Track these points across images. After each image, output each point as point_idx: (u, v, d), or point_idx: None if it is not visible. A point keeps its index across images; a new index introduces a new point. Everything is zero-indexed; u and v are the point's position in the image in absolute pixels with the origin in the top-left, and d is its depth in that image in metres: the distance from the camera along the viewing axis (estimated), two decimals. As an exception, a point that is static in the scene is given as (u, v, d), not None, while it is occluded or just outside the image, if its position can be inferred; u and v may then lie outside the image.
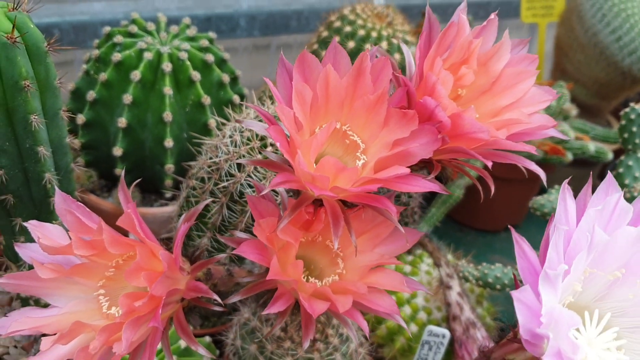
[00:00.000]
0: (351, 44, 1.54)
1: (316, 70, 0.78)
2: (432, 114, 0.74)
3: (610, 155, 1.75)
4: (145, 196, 1.64)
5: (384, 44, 1.53)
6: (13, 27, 0.90)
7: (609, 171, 0.66)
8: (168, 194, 1.54)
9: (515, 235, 0.60)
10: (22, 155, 1.01)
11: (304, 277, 0.85)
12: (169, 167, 1.47)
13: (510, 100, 0.82)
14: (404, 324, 0.81)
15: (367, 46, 1.53)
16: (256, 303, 1.18)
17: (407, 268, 1.36)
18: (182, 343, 1.15)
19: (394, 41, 1.53)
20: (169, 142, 1.44)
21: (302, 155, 0.71)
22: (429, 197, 1.68)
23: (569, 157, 1.69)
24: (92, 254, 0.77)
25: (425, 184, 0.73)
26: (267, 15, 2.66)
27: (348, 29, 1.55)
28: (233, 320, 1.24)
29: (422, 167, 0.87)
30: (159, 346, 1.07)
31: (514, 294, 0.55)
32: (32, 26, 0.94)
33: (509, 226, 0.66)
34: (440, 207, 1.69)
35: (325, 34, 1.61)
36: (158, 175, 1.52)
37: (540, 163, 1.73)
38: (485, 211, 1.94)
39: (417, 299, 1.29)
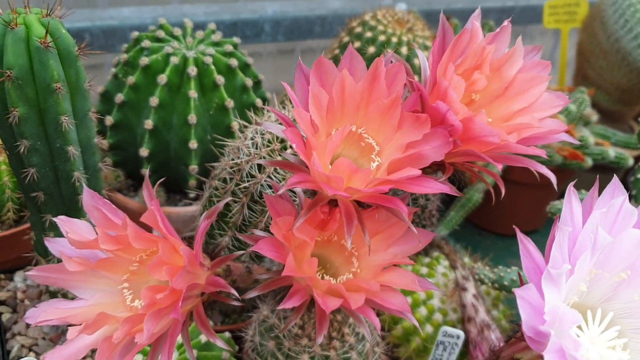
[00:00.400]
0: (372, 49, 1.56)
1: (332, 75, 0.80)
2: (444, 118, 0.76)
3: (630, 161, 1.74)
4: (170, 196, 1.68)
5: (404, 49, 1.55)
6: (46, 33, 0.94)
7: (614, 175, 0.67)
8: (192, 194, 1.57)
9: (520, 235, 0.62)
10: (52, 155, 1.06)
11: (319, 275, 0.87)
12: (193, 167, 1.51)
13: (523, 105, 0.83)
14: (415, 322, 0.82)
15: (388, 51, 1.55)
16: (274, 301, 1.21)
17: (424, 270, 1.38)
18: (203, 338, 1.18)
19: (415, 46, 1.54)
20: (193, 144, 1.48)
21: (317, 156, 0.74)
22: (448, 201, 1.69)
23: (589, 162, 1.69)
24: (117, 248, 0.80)
25: (436, 186, 0.75)
26: (291, 20, 2.69)
27: (369, 34, 1.57)
28: (252, 318, 1.28)
29: (436, 169, 0.89)
30: (180, 340, 1.10)
31: (517, 291, 0.57)
32: (63, 31, 0.98)
33: (513, 226, 0.68)
34: (459, 210, 1.70)
35: (346, 39, 1.63)
36: (182, 175, 1.56)
37: (559, 168, 1.73)
38: (505, 215, 1.94)
39: (433, 301, 1.31)
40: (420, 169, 0.84)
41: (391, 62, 0.83)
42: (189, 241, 0.89)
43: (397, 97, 0.78)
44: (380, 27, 1.57)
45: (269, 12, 2.65)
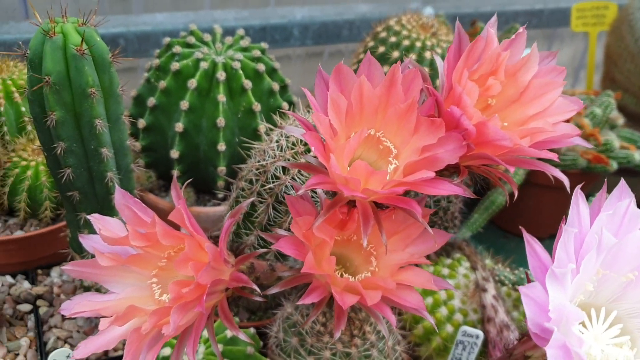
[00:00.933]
0: (396, 54, 1.59)
1: (351, 81, 0.83)
2: (458, 122, 0.78)
3: (656, 165, 1.73)
4: (200, 196, 1.72)
5: (428, 54, 1.57)
6: (82, 41, 0.99)
7: (622, 178, 0.69)
8: (220, 195, 1.62)
9: (526, 235, 0.64)
10: (87, 156, 1.11)
11: (338, 273, 0.90)
12: (221, 169, 1.55)
13: (538, 109, 0.85)
14: (431, 319, 0.85)
15: (412, 56, 1.57)
16: (298, 298, 1.24)
17: (446, 271, 1.39)
18: (229, 333, 1.22)
19: (438, 51, 1.56)
20: (221, 146, 1.52)
21: (335, 159, 0.77)
22: (470, 203, 1.70)
23: (614, 166, 1.69)
24: (147, 245, 0.84)
25: (450, 188, 0.77)
26: (319, 25, 2.72)
27: (393, 39, 1.60)
28: (276, 315, 1.31)
29: (452, 172, 0.91)
30: (207, 335, 1.14)
31: (522, 289, 0.59)
32: (98, 39, 1.03)
33: (520, 227, 0.70)
34: (483, 213, 1.71)
35: (371, 44, 1.66)
36: (211, 176, 1.61)
37: (584, 171, 1.73)
38: (530, 218, 1.94)
39: (453, 301, 1.33)
40: (438, 172, 0.87)
41: (409, 67, 0.85)
42: (216, 240, 0.93)
43: (413, 102, 0.81)
44: (405, 32, 1.59)
45: (298, 17, 2.69)
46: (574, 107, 0.83)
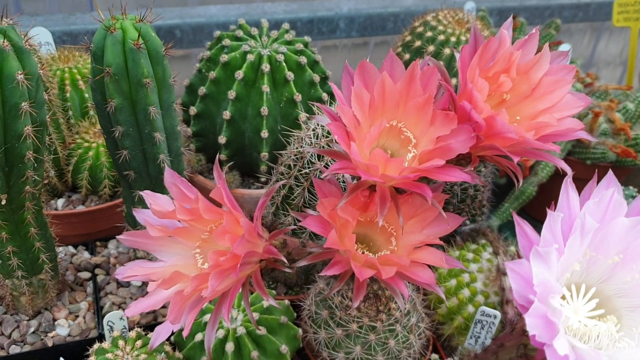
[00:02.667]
0: (431, 48, 1.65)
1: (374, 76, 0.91)
2: (469, 116, 0.85)
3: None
4: (245, 179, 1.83)
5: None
6: (138, 36, 1.10)
7: (610, 169, 0.74)
8: (263, 179, 1.72)
9: (516, 217, 0.70)
10: (142, 139, 1.22)
11: (360, 251, 0.99)
12: (264, 154, 1.65)
13: (548, 104, 0.91)
14: (442, 294, 0.92)
15: (447, 50, 1.62)
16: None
17: (470, 255, 1.46)
18: (265, 303, 1.32)
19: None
20: (264, 133, 1.62)
21: (357, 147, 0.85)
22: (500, 193, 1.75)
23: (644, 159, 1.71)
24: (191, 219, 0.94)
25: (460, 175, 0.85)
26: (365, 17, 2.78)
27: (429, 34, 1.65)
28: (310, 290, 1.41)
29: (469, 162, 0.98)
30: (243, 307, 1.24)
31: (508, 264, 0.66)
32: (153, 35, 1.14)
33: (510, 210, 0.76)
34: (513, 202, 1.76)
35: (408, 38, 1.72)
36: (255, 161, 1.71)
37: (615, 165, 1.76)
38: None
39: (476, 284, 1.39)
40: (456, 161, 0.94)
41: (428, 65, 0.92)
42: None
43: (429, 96, 0.88)
44: (440, 27, 1.64)
45: (344, 10, 2.76)
46: (581, 103, 0.89)
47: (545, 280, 0.64)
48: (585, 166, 1.76)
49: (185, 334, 0.89)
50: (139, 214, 1.01)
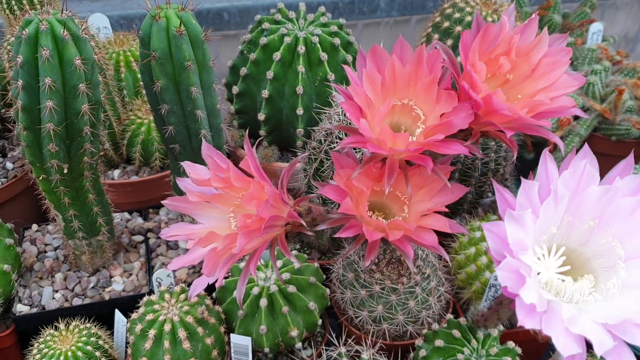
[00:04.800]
0: (459, 29, 1.71)
1: (386, 59, 1.00)
2: (469, 95, 0.93)
3: None
4: (283, 154, 1.94)
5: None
6: (180, 23, 1.21)
7: (585, 144, 0.81)
8: (299, 153, 1.83)
9: (496, 185, 0.78)
10: (185, 116, 1.34)
11: (375, 217, 1.08)
12: (300, 130, 1.76)
13: (546, 84, 0.97)
14: (444, 254, 1.01)
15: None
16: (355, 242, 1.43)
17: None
18: (296, 265, 1.44)
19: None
20: (300, 110, 1.72)
21: (368, 123, 0.95)
22: (522, 168, 1.80)
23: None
24: (224, 186, 1.06)
25: (459, 148, 0.93)
26: (405, -4, 2.82)
27: (457, 15, 1.71)
28: (339, 255, 1.52)
29: (479, 136, 1.06)
30: (280, 264, 1.36)
31: (485, 225, 0.74)
32: (193, 22, 1.25)
33: (491, 179, 0.84)
34: (539, 177, 1.81)
35: (438, 19, 1.78)
36: (292, 136, 1.82)
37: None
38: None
39: (494, 251, 1.47)
40: (464, 137, 1.02)
41: (435, 48, 1.00)
42: (290, 190, 1.14)
43: (434, 77, 0.96)
44: (468, 9, 1.70)
45: (385, -10, 2.81)
46: (576, 83, 0.95)
47: (519, 239, 0.73)
48: (611, 142, 1.79)
49: (218, 284, 1.02)
50: (181, 182, 1.13)
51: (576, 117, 1.78)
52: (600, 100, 1.75)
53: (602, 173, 1.93)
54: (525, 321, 0.68)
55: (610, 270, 0.80)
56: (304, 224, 1.05)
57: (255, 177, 1.04)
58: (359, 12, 2.80)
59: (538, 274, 0.73)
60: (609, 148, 1.83)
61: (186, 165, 1.09)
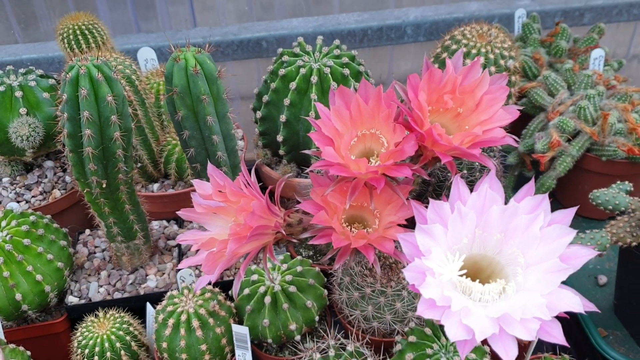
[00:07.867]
0: (455, 60, 1.86)
1: (352, 96, 1.18)
2: (413, 128, 1.10)
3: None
4: (303, 170, 2.14)
5: (482, 59, 1.82)
6: (195, 64, 1.44)
7: (491, 170, 0.96)
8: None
9: (413, 202, 0.95)
10: (204, 140, 1.56)
11: (349, 228, 1.26)
12: (313, 150, 1.95)
13: (486, 117, 1.13)
14: (403, 259, 1.18)
15: (467, 61, 1.83)
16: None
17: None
18: (299, 268, 1.63)
19: (490, 56, 1.81)
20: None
21: (335, 151, 1.13)
22: (523, 184, 1.92)
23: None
24: (224, 200, 1.27)
25: (406, 171, 1.10)
26: (430, 23, 2.97)
27: (454, 47, 1.87)
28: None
29: (430, 161, 1.22)
30: (283, 268, 1.55)
31: (400, 235, 0.91)
32: (208, 62, 1.47)
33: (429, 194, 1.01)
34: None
35: (438, 50, 1.94)
36: (307, 155, 2.01)
37: (632, 161, 1.88)
38: (586, 201, 2.10)
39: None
40: (423, 160, 1.18)
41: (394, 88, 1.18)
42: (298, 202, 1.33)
43: (390, 113, 1.14)
44: (464, 41, 1.85)
45: (411, 18, 2.97)
46: (509, 116, 1.11)
47: (428, 247, 0.89)
48: (602, 162, 1.89)
49: (213, 280, 1.22)
50: (194, 196, 1.35)
51: (569, 139, 1.89)
52: (592, 123, 1.86)
53: (593, 189, 2.00)
54: (425, 312, 0.85)
55: (518, 276, 0.95)
56: (284, 233, 1.24)
57: (246, 192, 1.24)
58: (386, 38, 2.97)
59: (441, 275, 0.90)
60: (601, 167, 1.93)
61: (195, 182, 1.30)
